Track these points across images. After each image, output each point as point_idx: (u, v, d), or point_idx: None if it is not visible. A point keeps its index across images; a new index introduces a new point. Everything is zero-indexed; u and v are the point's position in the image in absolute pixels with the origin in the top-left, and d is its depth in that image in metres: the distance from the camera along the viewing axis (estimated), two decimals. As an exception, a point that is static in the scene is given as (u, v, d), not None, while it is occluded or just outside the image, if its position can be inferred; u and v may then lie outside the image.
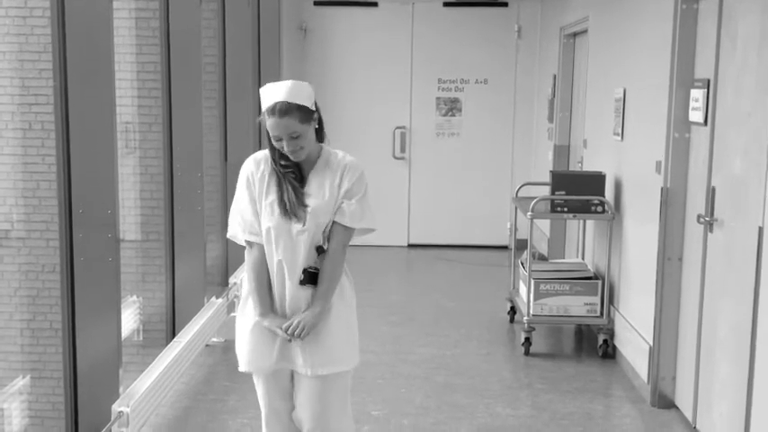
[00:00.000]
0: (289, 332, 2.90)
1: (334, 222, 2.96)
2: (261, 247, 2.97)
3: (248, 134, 6.39)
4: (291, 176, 2.95)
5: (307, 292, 2.96)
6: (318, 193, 2.94)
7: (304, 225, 2.91)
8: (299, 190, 2.93)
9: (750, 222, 3.54)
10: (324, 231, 2.95)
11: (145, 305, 4.72)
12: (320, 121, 2.99)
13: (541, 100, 8.33)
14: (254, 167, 2.99)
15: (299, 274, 2.94)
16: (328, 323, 2.97)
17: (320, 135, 3.01)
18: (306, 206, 2.92)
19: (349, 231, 2.98)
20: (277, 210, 2.92)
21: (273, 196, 2.94)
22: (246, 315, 3.05)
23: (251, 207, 2.97)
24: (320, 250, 2.95)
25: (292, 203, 2.91)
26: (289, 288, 2.96)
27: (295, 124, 2.84)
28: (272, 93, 2.87)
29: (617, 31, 5.52)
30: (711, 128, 4.04)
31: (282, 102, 2.83)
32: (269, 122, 2.86)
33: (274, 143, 2.91)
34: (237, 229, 3.02)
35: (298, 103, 2.85)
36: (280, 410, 3.10)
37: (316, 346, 2.96)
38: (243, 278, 3.19)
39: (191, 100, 4.97)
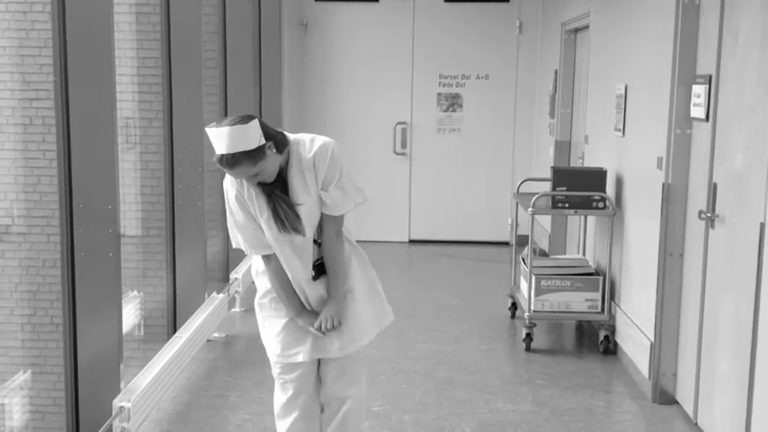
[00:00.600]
0: (322, 329, 3.01)
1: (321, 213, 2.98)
2: (275, 255, 3.03)
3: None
4: (279, 191, 2.90)
5: (322, 282, 3.05)
6: (303, 194, 2.92)
7: (304, 236, 2.96)
8: (290, 204, 2.89)
9: (751, 218, 3.53)
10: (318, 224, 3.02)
11: (146, 300, 4.72)
12: (272, 138, 2.81)
13: (543, 96, 8.32)
14: (239, 186, 2.94)
15: (309, 273, 3.02)
16: (353, 304, 3.08)
17: (281, 146, 2.86)
18: (299, 217, 2.92)
19: (339, 218, 3.00)
20: (274, 226, 2.93)
21: (267, 213, 2.94)
22: (269, 311, 3.14)
23: (253, 224, 2.98)
24: (318, 244, 3.03)
25: (291, 220, 2.90)
26: (304, 286, 3.05)
27: (248, 169, 2.76)
28: (215, 141, 2.73)
29: (618, 26, 5.51)
30: (713, 124, 4.03)
31: (226, 155, 2.72)
32: (225, 171, 2.83)
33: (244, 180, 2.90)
34: (243, 245, 3.07)
35: (242, 150, 2.71)
36: (310, 399, 3.20)
37: (347, 329, 3.08)
38: (254, 275, 3.21)
39: (191, 95, 4.97)
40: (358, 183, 2.99)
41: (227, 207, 3.02)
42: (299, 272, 3.01)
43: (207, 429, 4.15)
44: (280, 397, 3.22)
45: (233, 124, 2.71)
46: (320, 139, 2.92)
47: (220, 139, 2.72)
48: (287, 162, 2.91)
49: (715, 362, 3.95)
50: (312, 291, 3.06)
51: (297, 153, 2.91)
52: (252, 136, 2.73)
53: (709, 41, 4.11)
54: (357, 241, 3.18)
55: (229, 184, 2.97)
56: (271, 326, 3.15)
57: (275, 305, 3.13)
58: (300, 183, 2.92)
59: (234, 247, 3.13)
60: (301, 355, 3.11)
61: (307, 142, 2.91)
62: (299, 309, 3.08)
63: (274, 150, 2.81)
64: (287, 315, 3.10)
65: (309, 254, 3.00)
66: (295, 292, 3.07)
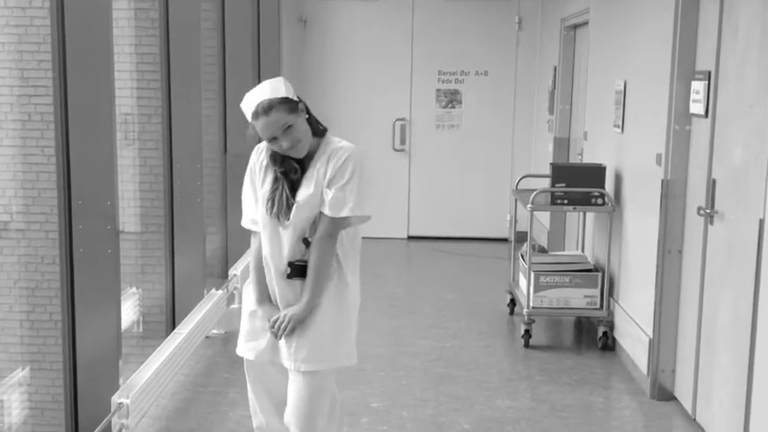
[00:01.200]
0: (273, 329, 2.93)
1: (320, 212, 2.92)
2: (260, 235, 3.00)
3: (248, 125, 6.37)
4: (288, 174, 2.92)
5: (295, 285, 2.94)
6: (307, 186, 2.91)
7: (288, 220, 2.90)
8: (288, 195, 2.90)
9: (751, 214, 3.53)
10: (313, 224, 2.92)
11: (144, 297, 4.72)
12: (309, 113, 2.93)
13: (542, 92, 8.31)
14: (256, 156, 3.01)
15: (284, 267, 2.94)
16: (315, 320, 2.93)
17: (315, 128, 2.94)
18: (290, 209, 2.89)
19: (334, 221, 2.88)
20: (265, 204, 2.93)
21: (267, 188, 2.94)
22: (247, 299, 3.09)
23: (252, 196, 3.01)
24: (307, 243, 2.92)
25: (281, 203, 2.88)
26: (276, 281, 2.96)
27: (284, 116, 2.80)
28: (252, 98, 2.84)
29: (618, 22, 5.50)
30: (712, 120, 4.03)
31: (263, 100, 2.81)
32: (258, 126, 2.83)
33: (272, 146, 2.88)
34: (244, 218, 3.07)
35: (279, 96, 2.82)
36: (270, 400, 3.11)
37: (300, 342, 2.94)
38: (245, 267, 3.22)
39: (190, 91, 4.96)
40: (366, 197, 2.90)
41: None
42: (276, 260, 2.93)
43: (206, 426, 4.15)
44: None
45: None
46: (346, 143, 2.96)
47: (257, 92, 2.84)
48: (312, 156, 2.93)
49: (714, 358, 3.95)
50: (283, 289, 2.95)
51: (324, 148, 2.94)
52: (288, 89, 2.86)
53: (709, 37, 4.11)
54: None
55: (255, 151, 3.02)
56: (243, 314, 3.10)
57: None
58: (309, 175, 2.91)
59: (242, 223, 3.10)
60: (253, 352, 3.01)
61: (335, 141, 2.95)
62: (264, 296, 2.98)
63: (306, 116, 2.89)
64: (254, 304, 3.02)
65: (286, 248, 2.90)
66: (266, 278, 3.00)
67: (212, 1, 5.71)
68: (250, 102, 2.85)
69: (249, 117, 2.86)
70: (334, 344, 2.99)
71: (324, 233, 2.90)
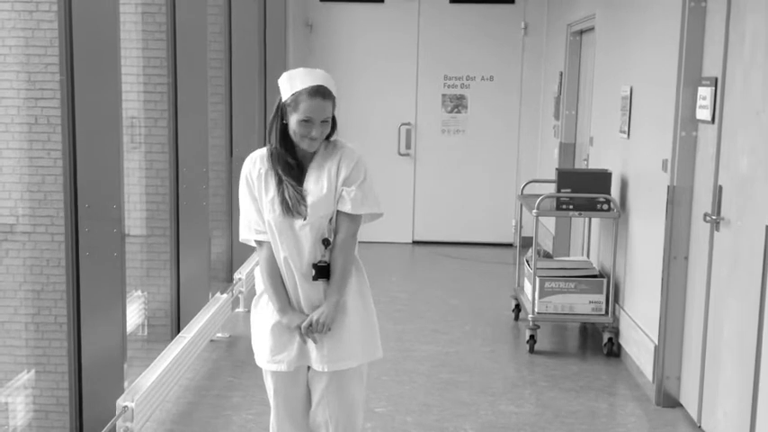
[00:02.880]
0: (311, 332, 2.91)
1: (338, 212, 2.93)
2: (269, 244, 2.96)
3: (254, 129, 6.38)
4: (290, 172, 2.93)
5: (319, 287, 2.94)
6: (317, 186, 2.92)
7: (305, 219, 2.89)
8: (297, 188, 2.91)
9: (757, 221, 3.52)
10: (330, 222, 2.93)
11: (150, 300, 4.73)
12: (334, 118, 2.99)
13: (547, 97, 8.31)
14: (251, 166, 2.99)
15: (307, 269, 2.93)
16: (344, 317, 2.96)
17: (332, 131, 2.99)
18: (305, 201, 2.90)
19: (355, 219, 2.94)
20: (278, 207, 2.91)
21: (273, 193, 2.93)
22: (262, 311, 3.04)
23: (253, 205, 2.97)
24: (326, 243, 2.93)
25: (294, 200, 2.89)
26: (300, 284, 2.94)
27: (330, 109, 2.88)
28: (309, 77, 2.89)
29: (624, 28, 5.50)
30: (719, 126, 4.02)
31: (323, 86, 2.87)
32: (307, 104, 2.84)
33: (299, 128, 2.86)
34: (245, 230, 3.02)
35: (331, 89, 2.90)
36: (295, 410, 3.08)
37: (332, 342, 2.95)
38: (255, 273, 3.17)
39: (196, 95, 4.97)
40: (378, 196, 3.01)
41: (239, 195, 3.05)
42: (297, 263, 2.92)
43: (210, 429, 4.15)
44: (272, 415, 3.13)
45: None
46: (351, 144, 3.03)
47: (317, 74, 2.90)
48: (312, 155, 2.96)
49: (719, 365, 3.94)
50: (308, 292, 2.95)
51: (331, 149, 2.97)
52: (334, 85, 2.93)
53: (716, 43, 4.10)
54: (362, 242, 3.15)
55: (248, 162, 3.01)
56: (259, 328, 3.05)
57: (268, 305, 3.03)
58: (316, 176, 2.93)
59: (240, 239, 3.07)
60: (285, 364, 2.98)
61: (338, 142, 3.01)
62: (285, 304, 2.95)
63: (331, 118, 2.95)
64: (275, 316, 2.99)
65: (307, 249, 2.91)
66: (283, 286, 2.97)
67: (219, 5, 5.73)
68: (306, 78, 2.89)
69: (295, 90, 2.87)
70: (366, 339, 3.03)
71: (347, 234, 2.94)
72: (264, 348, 3.01)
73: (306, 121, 2.85)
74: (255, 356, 3.07)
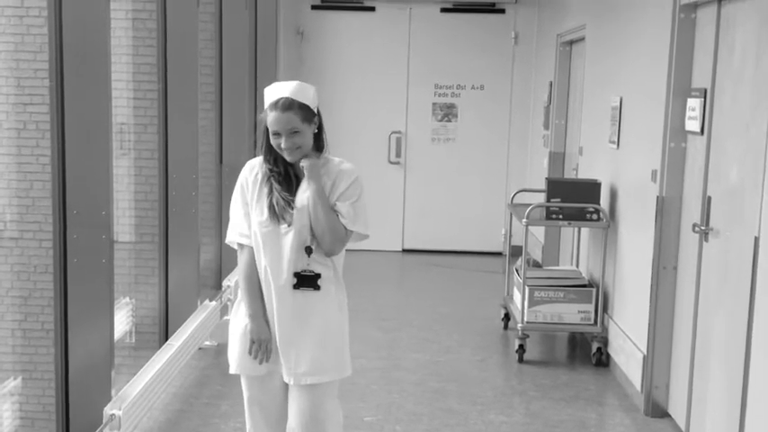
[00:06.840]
0: (254, 350, 2.93)
1: None
2: (251, 249, 2.99)
3: (244, 137, 6.37)
4: (280, 179, 2.96)
5: (296, 297, 2.94)
6: (306, 195, 2.94)
7: (289, 225, 2.91)
8: (287, 198, 2.94)
9: (746, 232, 3.53)
10: (313, 232, 2.94)
11: (138, 307, 4.70)
12: (320, 127, 3.00)
13: (537, 107, 8.33)
14: (249, 172, 3.03)
15: (285, 278, 2.93)
16: (316, 331, 2.96)
17: (319, 142, 3.00)
18: (292, 207, 2.92)
19: (347, 232, 2.97)
20: (266, 210, 2.93)
21: (263, 198, 2.96)
22: (239, 318, 3.05)
23: (242, 210, 3.01)
24: (309, 251, 2.94)
25: (280, 206, 2.92)
26: (275, 292, 2.94)
27: (296, 120, 2.88)
28: (278, 90, 2.91)
29: (614, 39, 5.52)
30: (708, 137, 4.04)
31: (286, 98, 2.88)
32: (270, 117, 2.89)
33: (272, 141, 2.92)
34: (231, 232, 3.05)
35: (300, 101, 2.89)
36: (271, 416, 3.08)
37: (302, 355, 2.95)
38: (237, 281, 3.18)
39: (186, 102, 4.96)
40: (369, 219, 3.02)
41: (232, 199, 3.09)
42: (276, 275, 2.93)
43: (197, 438, 4.13)
44: (248, 424, 3.12)
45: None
46: (349, 164, 3.06)
47: (286, 86, 2.91)
48: None
49: (708, 375, 3.94)
50: (285, 301, 2.93)
51: (327, 165, 3.00)
52: (311, 96, 2.95)
53: (705, 55, 4.12)
54: (351, 250, 3.16)
55: (247, 167, 3.05)
56: (233, 333, 3.04)
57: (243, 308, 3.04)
58: (306, 186, 2.95)
59: (226, 241, 3.09)
60: (254, 365, 2.98)
61: (336, 159, 3.04)
62: (258, 310, 2.95)
63: (315, 130, 2.96)
64: (245, 319, 2.99)
65: (287, 256, 2.91)
66: (260, 293, 2.97)
67: (210, 12, 5.72)
68: (274, 92, 2.92)
69: (267, 103, 2.92)
70: (337, 355, 3.02)
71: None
72: (235, 353, 3.03)
73: (275, 134, 2.90)
74: (229, 362, 3.07)
